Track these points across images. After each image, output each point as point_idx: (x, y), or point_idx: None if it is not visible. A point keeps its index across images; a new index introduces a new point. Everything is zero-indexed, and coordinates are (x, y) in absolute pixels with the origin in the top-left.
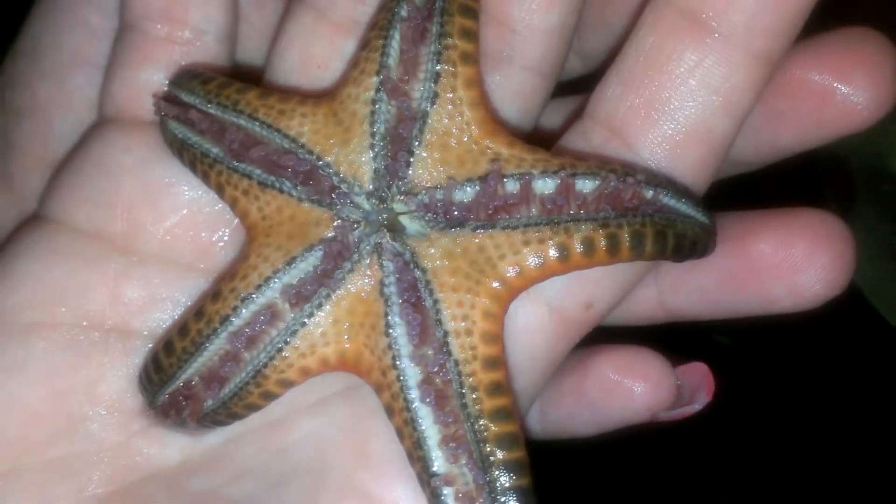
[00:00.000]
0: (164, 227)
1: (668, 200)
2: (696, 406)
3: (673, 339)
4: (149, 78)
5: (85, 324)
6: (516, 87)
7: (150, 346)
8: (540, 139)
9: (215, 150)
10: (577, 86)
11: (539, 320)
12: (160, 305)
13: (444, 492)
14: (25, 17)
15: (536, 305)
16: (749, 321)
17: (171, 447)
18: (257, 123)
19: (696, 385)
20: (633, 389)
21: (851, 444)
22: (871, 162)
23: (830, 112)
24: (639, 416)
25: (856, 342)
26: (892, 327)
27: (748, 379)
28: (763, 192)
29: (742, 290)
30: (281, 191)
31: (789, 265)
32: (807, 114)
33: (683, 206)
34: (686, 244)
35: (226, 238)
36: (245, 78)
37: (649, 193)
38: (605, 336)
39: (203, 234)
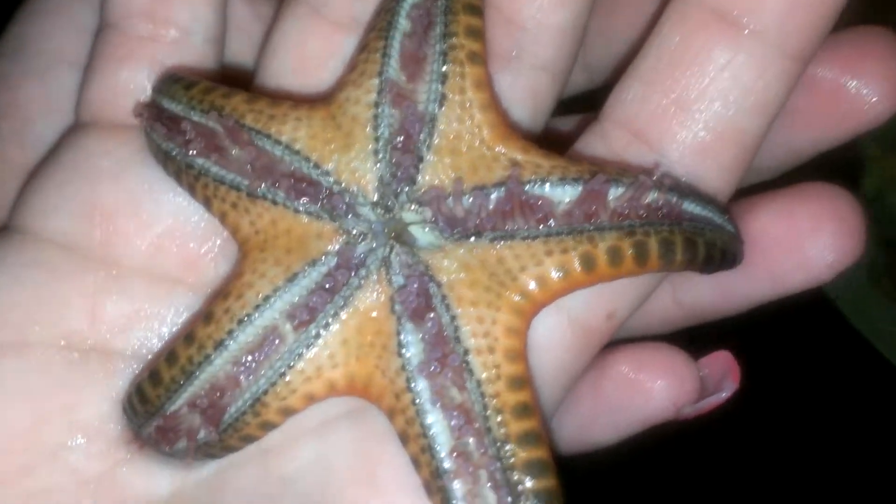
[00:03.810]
0: (147, 238)
1: (694, 207)
2: (724, 394)
3: None
4: (129, 79)
5: (62, 343)
6: (526, 87)
7: (135, 368)
8: (548, 145)
9: (200, 161)
10: (580, 102)
11: (561, 333)
12: (144, 323)
13: None
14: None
15: (557, 317)
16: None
17: (159, 478)
18: (244, 130)
19: (721, 374)
20: (654, 386)
21: (831, 459)
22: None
23: (842, 108)
24: (662, 414)
25: (837, 359)
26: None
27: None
28: None
29: (752, 272)
30: (274, 202)
31: (795, 237)
32: (819, 111)
33: (709, 213)
34: (717, 253)
35: (216, 249)
36: (234, 82)
37: (674, 200)
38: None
39: (191, 245)
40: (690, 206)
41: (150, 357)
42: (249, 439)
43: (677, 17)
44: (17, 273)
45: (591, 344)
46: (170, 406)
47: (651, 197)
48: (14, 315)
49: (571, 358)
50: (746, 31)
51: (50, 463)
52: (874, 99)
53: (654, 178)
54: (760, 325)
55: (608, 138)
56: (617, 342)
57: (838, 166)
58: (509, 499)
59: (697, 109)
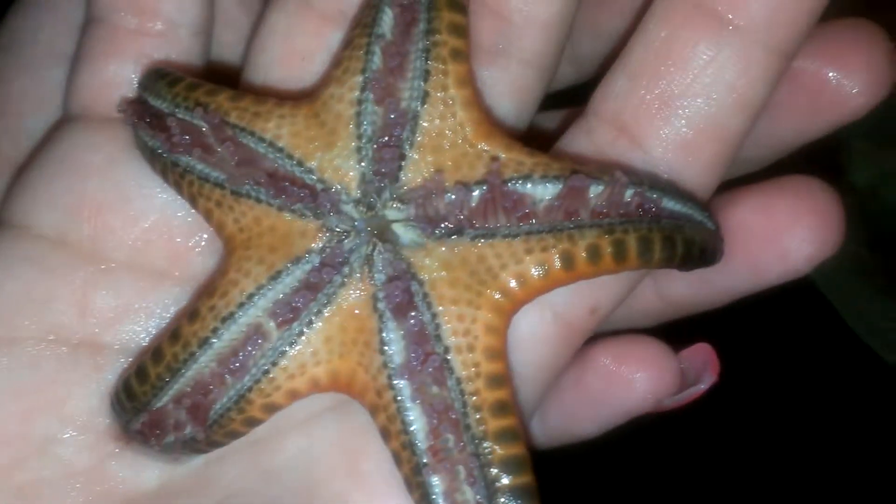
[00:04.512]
0: (135, 232)
1: (674, 205)
2: (702, 387)
3: None
4: (117, 72)
5: (51, 338)
6: (512, 82)
7: (123, 362)
8: (534, 141)
9: (185, 159)
10: (568, 96)
11: (544, 328)
12: (133, 317)
13: None
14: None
15: (540, 313)
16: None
17: (148, 471)
18: (229, 127)
19: (701, 366)
20: (634, 378)
21: (815, 449)
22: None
23: (824, 100)
24: (643, 406)
25: (826, 351)
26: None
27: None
28: None
29: (731, 265)
30: (257, 200)
31: (774, 229)
32: (801, 103)
33: (689, 211)
34: (695, 250)
35: (203, 243)
36: (221, 76)
37: (653, 197)
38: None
39: (178, 239)
40: (670, 204)
41: (137, 351)
42: (235, 435)
43: (663, 12)
44: (7, 268)
45: (573, 339)
46: (156, 402)
47: (630, 194)
48: (4, 310)
49: (554, 353)
50: (731, 27)
51: (40, 457)
52: (855, 90)
53: (633, 175)
54: (746, 314)
55: (593, 133)
56: (599, 335)
57: (823, 161)
58: (485, 494)
59: (680, 105)
